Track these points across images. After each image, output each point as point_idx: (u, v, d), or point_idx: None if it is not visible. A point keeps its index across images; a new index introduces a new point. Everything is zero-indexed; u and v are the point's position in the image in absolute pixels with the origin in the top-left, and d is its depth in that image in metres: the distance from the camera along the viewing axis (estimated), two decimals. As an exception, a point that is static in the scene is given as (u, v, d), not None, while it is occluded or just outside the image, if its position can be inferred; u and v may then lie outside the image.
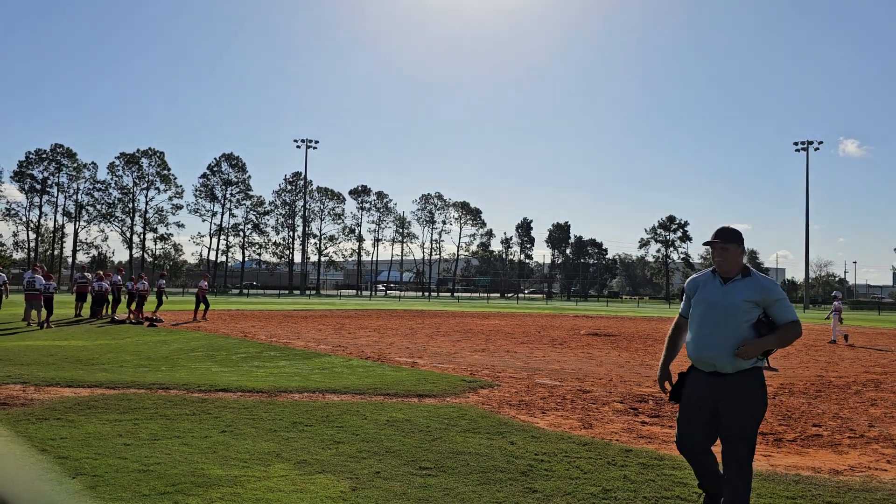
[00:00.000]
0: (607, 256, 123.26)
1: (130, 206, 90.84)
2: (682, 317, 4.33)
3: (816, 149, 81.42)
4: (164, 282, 25.11)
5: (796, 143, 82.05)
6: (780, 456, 5.99)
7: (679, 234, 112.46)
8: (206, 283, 23.89)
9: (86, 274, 24.97)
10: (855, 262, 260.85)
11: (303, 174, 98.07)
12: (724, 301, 3.90)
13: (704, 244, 4.07)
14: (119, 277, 24.81)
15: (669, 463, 5.54)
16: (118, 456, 5.34)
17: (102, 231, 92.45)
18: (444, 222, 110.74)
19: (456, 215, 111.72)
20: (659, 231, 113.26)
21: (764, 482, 5.06)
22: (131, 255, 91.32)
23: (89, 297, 23.71)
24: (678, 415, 4.13)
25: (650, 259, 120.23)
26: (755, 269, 4.03)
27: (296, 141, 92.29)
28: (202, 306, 23.51)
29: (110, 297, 23.63)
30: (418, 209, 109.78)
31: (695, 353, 4.01)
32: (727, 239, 3.95)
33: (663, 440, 6.46)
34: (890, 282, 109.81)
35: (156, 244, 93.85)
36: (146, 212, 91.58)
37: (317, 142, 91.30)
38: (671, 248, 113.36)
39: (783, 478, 5.21)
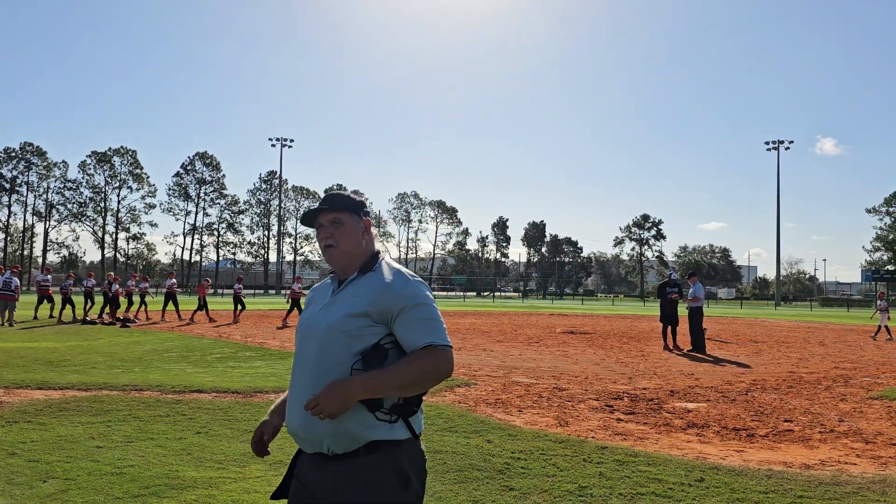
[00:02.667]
0: (582, 255, 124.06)
1: (102, 205, 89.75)
2: None
3: (787, 148, 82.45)
4: (146, 285, 25.35)
5: (768, 143, 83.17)
6: (752, 451, 6.08)
7: (653, 232, 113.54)
8: (239, 286, 24.22)
9: (48, 276, 24.56)
10: (825, 260, 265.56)
11: (278, 173, 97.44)
12: (323, 322, 2.21)
13: (303, 220, 2.41)
14: (146, 284, 25.53)
15: (644, 459, 5.60)
16: (91, 459, 5.27)
17: (73, 231, 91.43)
18: (420, 221, 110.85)
19: (432, 214, 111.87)
20: (633, 230, 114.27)
21: (737, 477, 5.13)
22: (103, 254, 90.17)
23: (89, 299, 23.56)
24: None
25: (625, 257, 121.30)
26: (395, 262, 2.37)
27: (270, 139, 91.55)
28: (239, 307, 23.63)
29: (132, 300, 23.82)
30: (394, 208, 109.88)
31: (287, 420, 2.27)
32: (339, 205, 2.34)
33: (638, 437, 6.52)
34: (859, 279, 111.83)
35: (128, 244, 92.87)
36: (118, 211, 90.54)
37: (292, 140, 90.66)
38: (645, 247, 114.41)
39: (755, 472, 5.29)
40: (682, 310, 16.31)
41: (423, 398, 2.26)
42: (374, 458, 2.10)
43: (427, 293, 2.25)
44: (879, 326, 21.64)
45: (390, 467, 2.10)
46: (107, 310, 22.60)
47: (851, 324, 31.54)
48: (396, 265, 2.32)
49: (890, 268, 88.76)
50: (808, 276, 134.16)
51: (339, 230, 2.32)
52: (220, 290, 77.07)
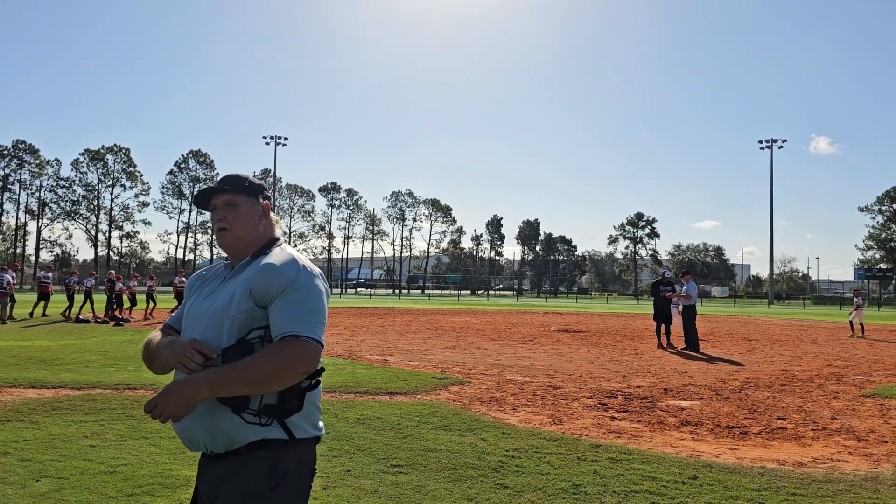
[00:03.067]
0: (576, 253, 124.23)
1: (95, 203, 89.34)
2: (167, 325, 2.29)
3: (781, 147, 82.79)
4: (152, 283, 25.63)
5: (761, 142, 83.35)
6: (745, 449, 6.10)
7: (647, 230, 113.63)
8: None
9: (49, 273, 24.51)
10: (818, 259, 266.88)
11: (272, 171, 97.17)
12: (207, 310, 2.08)
13: (195, 201, 2.30)
14: (152, 283, 25.97)
15: (638, 457, 5.61)
16: (84, 458, 5.26)
17: (66, 229, 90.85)
18: (414, 219, 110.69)
19: (426, 212, 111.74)
20: (627, 228, 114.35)
21: (730, 475, 5.15)
22: (96, 253, 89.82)
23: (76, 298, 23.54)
24: None
25: (619, 256, 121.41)
26: (295, 251, 2.19)
27: (265, 138, 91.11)
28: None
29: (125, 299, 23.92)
30: (389, 206, 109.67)
31: None
32: (234, 186, 2.20)
33: (632, 435, 6.53)
34: (852, 278, 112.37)
35: (121, 242, 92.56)
36: (111, 209, 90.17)
37: (286, 139, 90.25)
38: (639, 245, 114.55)
39: (749, 470, 5.30)
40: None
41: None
42: (255, 455, 1.98)
43: (316, 283, 2.05)
44: (860, 324, 21.56)
45: (267, 467, 1.98)
46: (114, 309, 22.57)
47: (844, 322, 31.64)
48: (294, 253, 2.15)
49: (882, 266, 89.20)
50: (801, 274, 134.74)
51: (233, 213, 2.17)
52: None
